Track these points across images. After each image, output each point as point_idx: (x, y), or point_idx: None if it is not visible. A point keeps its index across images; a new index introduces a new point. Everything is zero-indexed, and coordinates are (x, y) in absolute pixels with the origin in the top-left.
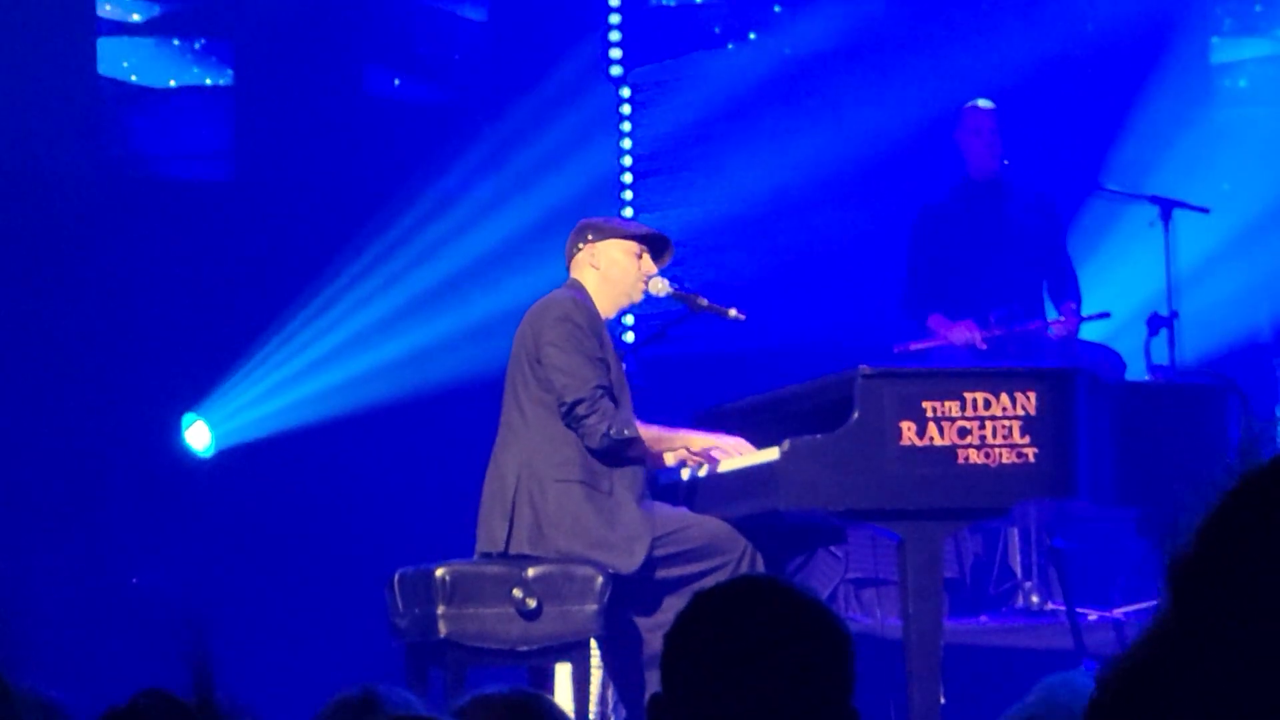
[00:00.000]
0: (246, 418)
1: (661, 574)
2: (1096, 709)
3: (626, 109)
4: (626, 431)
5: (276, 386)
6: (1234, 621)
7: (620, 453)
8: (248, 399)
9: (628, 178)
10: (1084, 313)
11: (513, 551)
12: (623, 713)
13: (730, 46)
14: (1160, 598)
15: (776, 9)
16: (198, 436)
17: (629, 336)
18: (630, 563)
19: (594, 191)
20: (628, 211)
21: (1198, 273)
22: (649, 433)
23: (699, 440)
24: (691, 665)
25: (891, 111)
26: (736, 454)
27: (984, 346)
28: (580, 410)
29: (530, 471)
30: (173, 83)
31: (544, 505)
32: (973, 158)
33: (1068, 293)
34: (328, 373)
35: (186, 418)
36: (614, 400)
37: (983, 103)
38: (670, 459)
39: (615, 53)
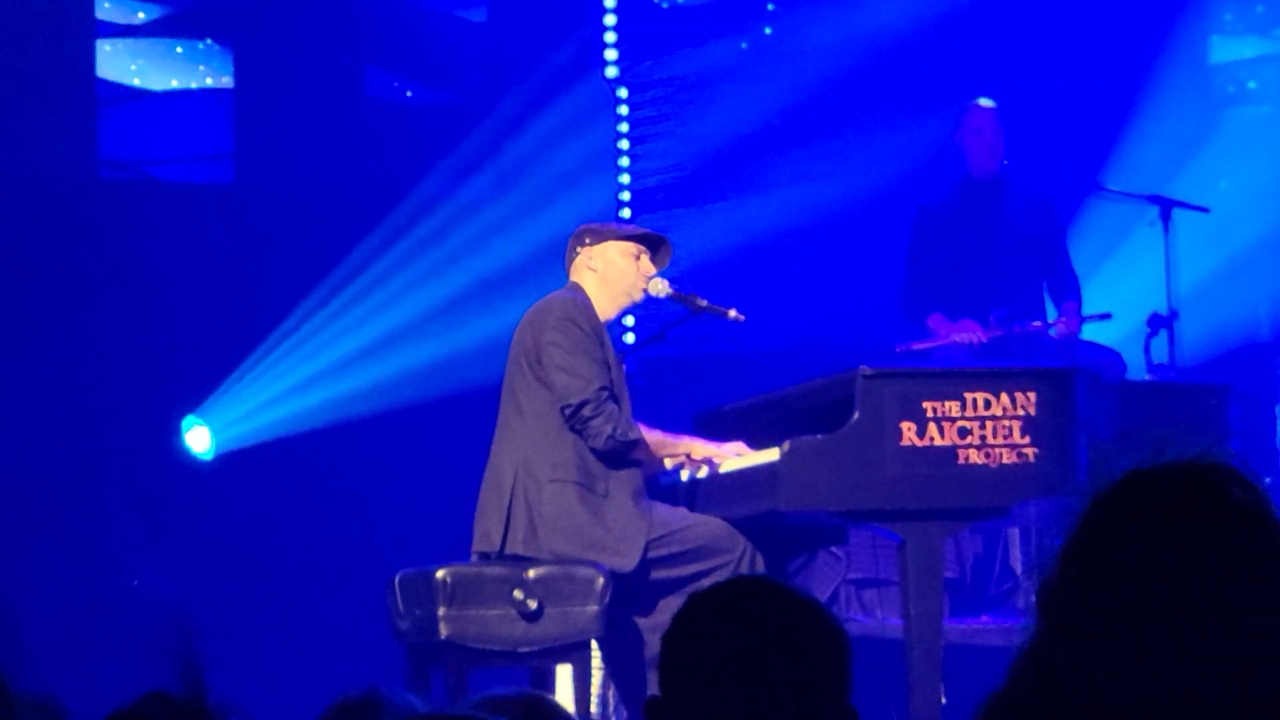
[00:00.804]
0: (247, 421)
1: (662, 575)
2: None
3: (624, 109)
4: (631, 434)
5: (277, 390)
6: (1094, 634)
7: (624, 455)
8: (248, 402)
9: (625, 179)
10: (1085, 313)
11: (508, 552)
12: (624, 714)
13: (742, 45)
14: (1031, 619)
15: (769, 6)
16: (198, 440)
17: (629, 338)
18: (624, 563)
19: (588, 190)
20: (625, 212)
21: (1198, 272)
22: (651, 437)
23: (700, 448)
24: (688, 666)
25: (891, 113)
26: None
27: (980, 344)
28: (586, 412)
29: (526, 472)
30: (173, 84)
31: (539, 506)
32: (973, 157)
33: (1068, 293)
34: (328, 376)
35: (187, 421)
36: (616, 402)
37: (984, 102)
38: (669, 463)
39: (611, 54)
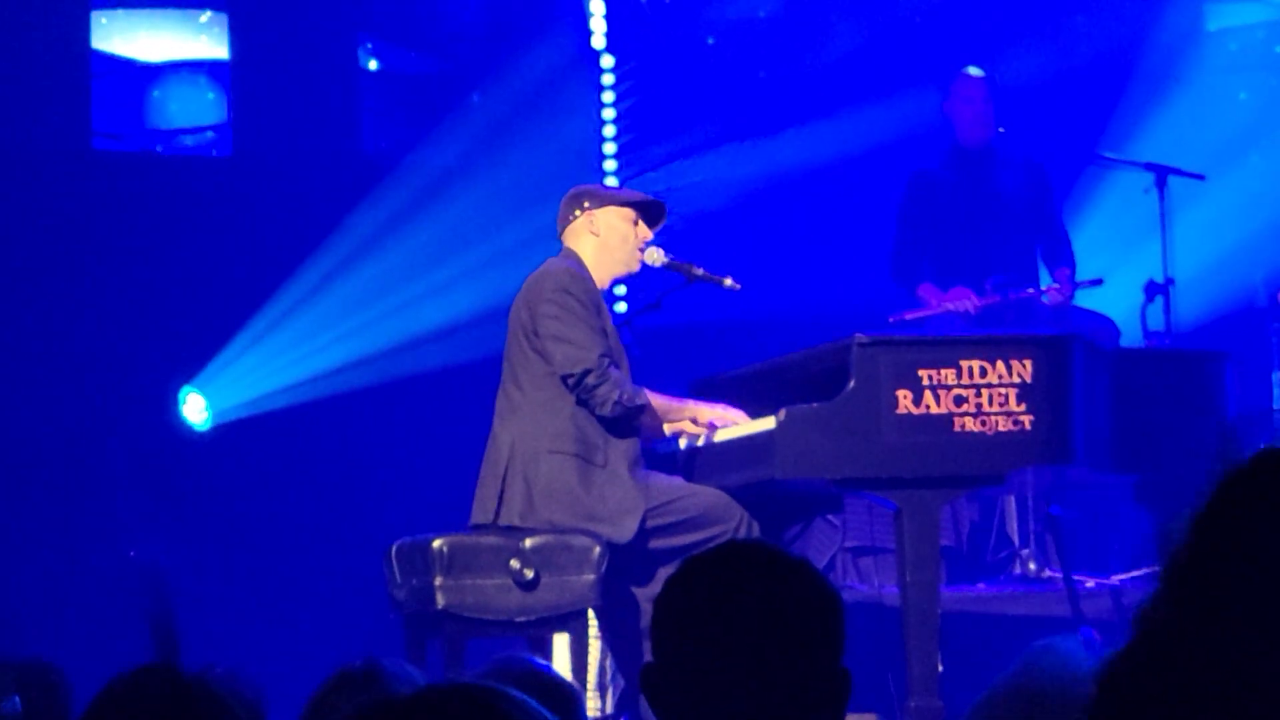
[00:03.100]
0: (244, 392)
1: (658, 544)
2: (1101, 708)
3: (609, 79)
4: (638, 399)
5: (273, 360)
6: (1229, 616)
7: (631, 420)
8: (245, 372)
9: (610, 148)
10: (1077, 279)
11: (502, 523)
12: (620, 683)
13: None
14: (1154, 591)
15: None
16: (195, 410)
17: (621, 306)
18: (621, 534)
19: (581, 158)
20: (611, 181)
21: (1193, 239)
22: (656, 402)
23: (706, 411)
24: (681, 630)
25: (885, 80)
26: (735, 423)
27: (976, 313)
28: (591, 380)
29: (525, 444)
30: (169, 55)
31: (536, 477)
32: (963, 126)
33: (1062, 259)
34: (325, 346)
35: (184, 391)
36: (617, 369)
37: (973, 70)
38: (668, 429)
39: (598, 24)
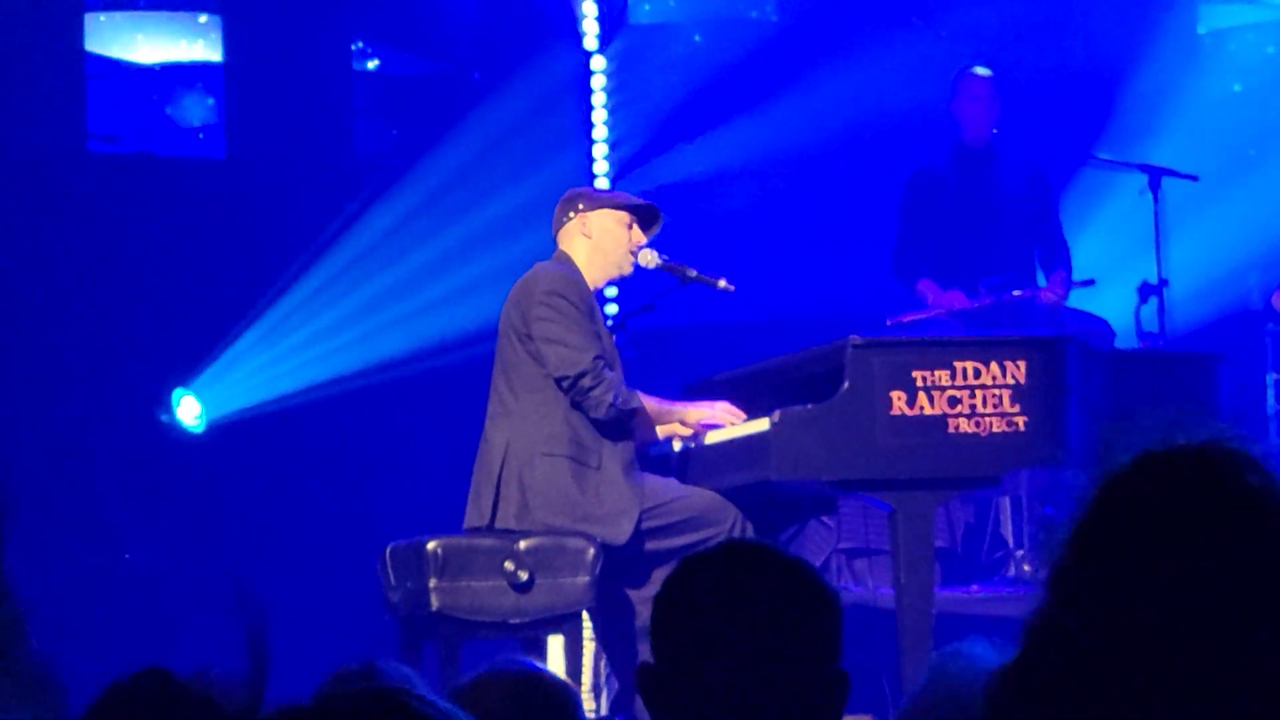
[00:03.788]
0: (239, 393)
1: (652, 546)
2: (991, 712)
3: (600, 81)
4: (632, 401)
5: (268, 362)
6: (1104, 617)
7: (625, 422)
8: (240, 375)
9: (601, 149)
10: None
11: (498, 526)
12: (615, 685)
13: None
14: (1040, 598)
15: None
16: (189, 411)
17: (612, 309)
18: (617, 535)
19: (577, 163)
20: (603, 183)
21: (1188, 241)
22: (649, 404)
23: (694, 413)
24: (679, 630)
25: (883, 78)
26: (729, 420)
27: (969, 312)
28: (585, 382)
29: (519, 447)
30: (163, 57)
31: (531, 480)
32: (969, 125)
33: (1058, 261)
34: (320, 348)
35: (177, 393)
36: (612, 371)
37: (980, 70)
38: (661, 433)
39: (590, 26)
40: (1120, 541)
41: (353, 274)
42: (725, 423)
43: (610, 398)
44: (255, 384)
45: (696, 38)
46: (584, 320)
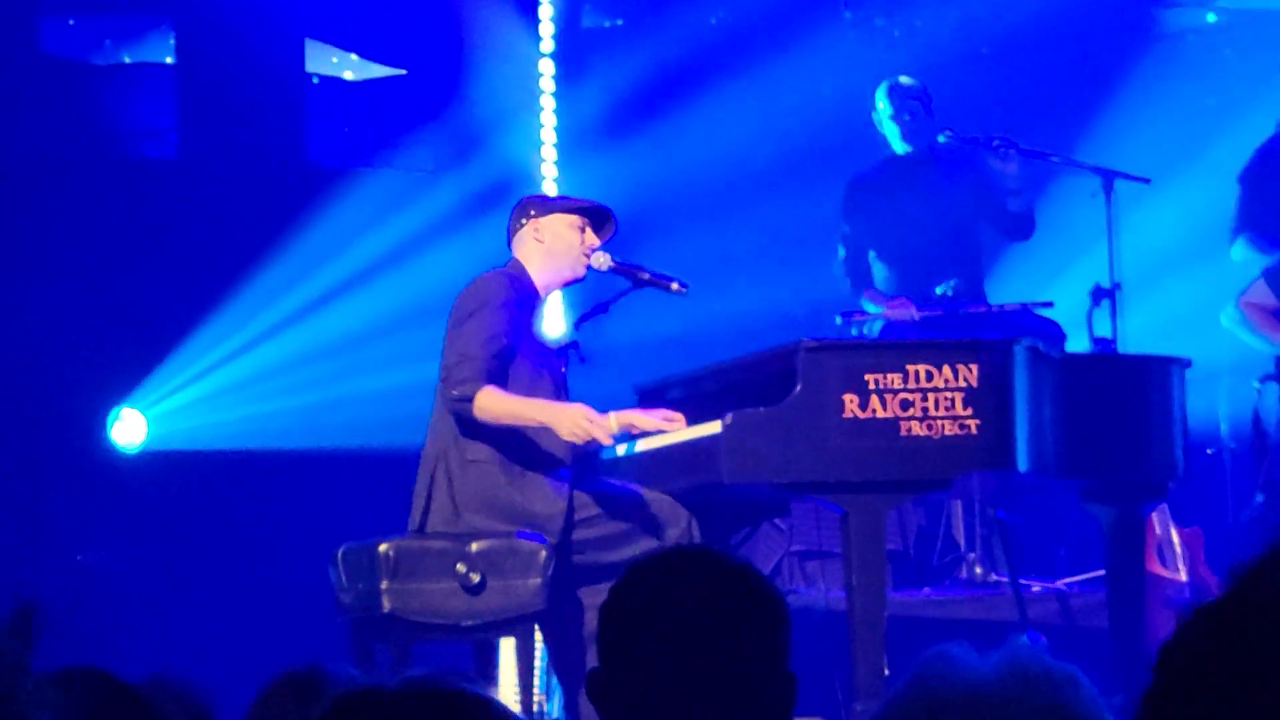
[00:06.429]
0: (188, 395)
1: (601, 550)
2: None
3: (549, 85)
4: (468, 390)
5: (215, 367)
6: None
7: (472, 416)
8: (189, 378)
9: (549, 153)
10: (1029, 300)
11: (428, 530)
12: (559, 692)
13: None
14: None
15: None
16: (132, 424)
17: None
18: (547, 536)
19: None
20: (552, 187)
21: (1140, 244)
22: (531, 403)
23: (625, 417)
24: (626, 635)
25: (832, 84)
26: (656, 425)
27: (918, 320)
28: (442, 381)
29: (448, 452)
30: (125, 59)
31: (460, 484)
32: (898, 134)
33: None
34: (268, 353)
35: (119, 407)
36: (497, 374)
37: (904, 79)
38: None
39: (546, 28)
40: (1210, 669)
41: (303, 281)
42: (647, 425)
43: (454, 392)
44: (204, 387)
45: (646, 40)
46: (489, 323)
